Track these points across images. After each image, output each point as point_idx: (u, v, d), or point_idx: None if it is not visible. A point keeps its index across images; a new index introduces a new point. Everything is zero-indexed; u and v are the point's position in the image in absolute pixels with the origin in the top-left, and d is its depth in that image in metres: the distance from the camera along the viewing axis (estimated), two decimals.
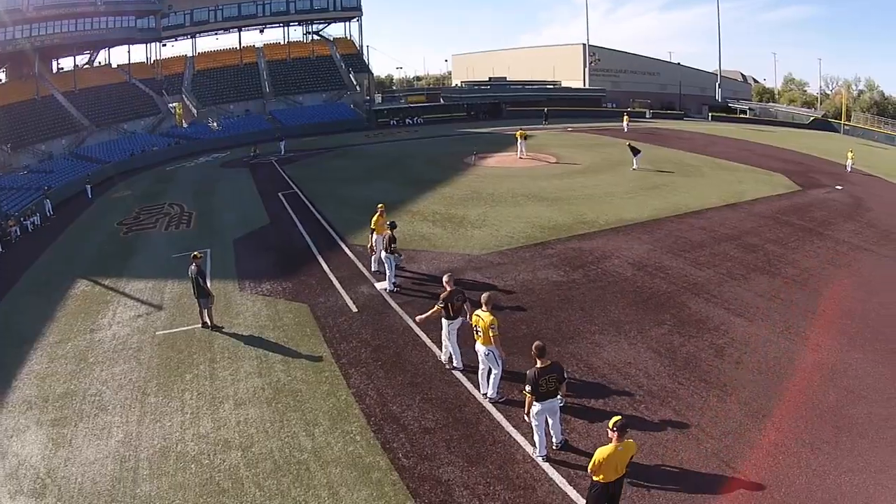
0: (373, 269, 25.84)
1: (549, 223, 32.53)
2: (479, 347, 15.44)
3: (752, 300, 22.04)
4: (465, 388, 16.54)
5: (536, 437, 13.45)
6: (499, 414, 15.23)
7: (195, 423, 15.54)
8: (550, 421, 13.62)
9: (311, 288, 24.71)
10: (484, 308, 15.26)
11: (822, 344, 18.63)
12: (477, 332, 15.31)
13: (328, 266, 27.34)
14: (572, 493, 12.24)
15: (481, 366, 15.90)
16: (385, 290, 23.67)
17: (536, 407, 13.05)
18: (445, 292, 17.09)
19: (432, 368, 17.71)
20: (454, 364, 17.58)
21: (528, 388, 12.93)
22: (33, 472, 14.10)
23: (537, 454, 13.49)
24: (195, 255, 21.35)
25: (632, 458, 10.94)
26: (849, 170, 50.41)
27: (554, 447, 13.81)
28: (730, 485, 12.47)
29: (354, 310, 22.21)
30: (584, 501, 11.46)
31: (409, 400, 16.09)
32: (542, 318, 20.69)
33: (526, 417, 13.78)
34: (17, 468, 14.33)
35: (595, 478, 10.69)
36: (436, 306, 17.16)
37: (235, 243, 32.32)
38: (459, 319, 17.17)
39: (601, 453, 10.50)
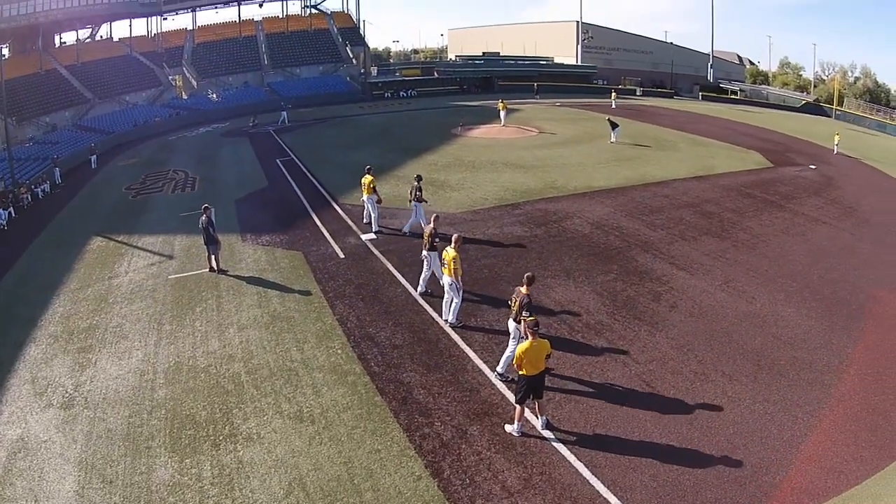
0: (364, 222, 28.69)
1: (521, 187, 34.98)
2: (445, 279, 18.36)
3: (697, 258, 24.26)
4: (430, 315, 19.39)
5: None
6: (455, 336, 18.06)
7: (204, 343, 18.25)
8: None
9: (304, 239, 27.26)
10: (452, 246, 18.05)
11: (758, 297, 20.76)
12: (443, 264, 18.22)
13: (320, 221, 29.88)
14: (509, 395, 14.83)
15: (445, 296, 18.77)
16: (371, 239, 26.68)
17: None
18: (427, 227, 20.75)
19: (404, 301, 20.56)
20: (420, 289, 21.06)
21: (524, 313, 14.70)
22: (62, 390, 16.31)
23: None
24: (205, 207, 23.87)
25: (548, 355, 13.29)
26: (835, 152, 51.66)
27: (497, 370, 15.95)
28: (648, 400, 14.84)
29: (342, 256, 24.92)
30: (514, 395, 13.89)
31: (383, 324, 18.92)
32: (503, 265, 23.30)
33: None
34: (46, 388, 16.46)
35: (520, 372, 13.18)
36: None
37: (237, 203, 34.57)
38: (435, 252, 20.32)
39: (520, 348, 13.04)
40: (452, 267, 17.82)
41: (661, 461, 12.69)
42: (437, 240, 20.36)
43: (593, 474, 12.34)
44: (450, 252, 17.93)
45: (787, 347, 17.46)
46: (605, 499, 11.76)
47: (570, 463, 12.69)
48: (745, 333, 18.25)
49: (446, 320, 18.86)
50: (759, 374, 16.00)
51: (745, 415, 14.27)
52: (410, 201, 26.76)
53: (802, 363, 16.62)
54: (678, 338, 17.94)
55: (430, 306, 19.95)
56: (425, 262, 20.81)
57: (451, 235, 18.65)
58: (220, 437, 13.87)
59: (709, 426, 13.83)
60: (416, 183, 26.63)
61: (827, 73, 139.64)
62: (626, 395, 15.04)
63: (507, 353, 15.67)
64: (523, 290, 15.24)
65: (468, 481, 12.24)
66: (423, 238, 20.77)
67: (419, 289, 21.12)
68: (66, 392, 16.25)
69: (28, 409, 15.67)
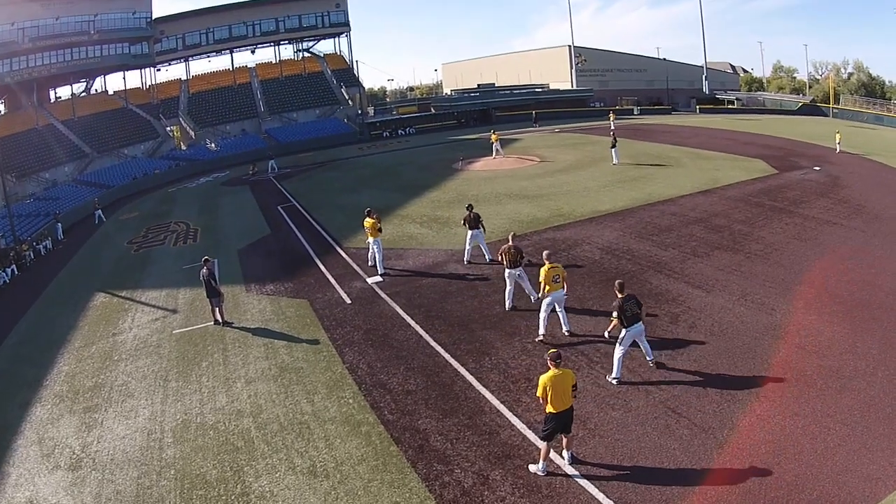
0: (369, 265, 28.26)
1: (527, 218, 34.56)
2: (557, 294, 18.93)
3: (712, 274, 23.81)
4: (443, 357, 18.80)
5: (616, 363, 16.53)
6: (471, 377, 17.43)
7: (212, 399, 17.74)
8: (641, 345, 16.91)
9: (309, 286, 26.80)
10: (552, 261, 19.00)
11: (777, 308, 20.31)
12: (556, 280, 18.69)
13: (325, 266, 29.41)
14: (531, 435, 14.29)
15: (543, 312, 19.27)
16: (377, 282, 26.23)
17: (625, 333, 16.21)
18: (504, 246, 21.45)
19: (415, 344, 19.99)
20: (508, 306, 21.96)
21: (614, 314, 16.19)
22: (69, 451, 15.99)
23: (614, 376, 16.59)
24: (205, 259, 23.64)
25: (574, 386, 12.79)
26: (837, 151, 52.03)
27: (651, 363, 17.14)
28: (675, 427, 14.23)
29: (348, 301, 24.42)
30: (540, 433, 13.26)
31: (395, 369, 18.34)
32: (515, 299, 22.48)
33: (606, 334, 17.80)
34: (53, 449, 16.19)
35: (547, 410, 12.62)
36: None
37: (240, 253, 34.23)
38: (518, 269, 21.36)
39: (543, 379, 12.51)
40: (566, 279, 19.19)
41: (695, 489, 12.14)
42: (521, 256, 21.40)
43: None
44: (558, 268, 18.92)
45: (813, 356, 17.00)
46: None
47: (599, 501, 12.07)
48: (769, 347, 17.76)
49: (542, 336, 19.32)
50: (786, 388, 15.49)
51: (775, 431, 13.74)
52: (474, 228, 26.75)
53: (830, 371, 16.16)
54: (700, 359, 17.38)
55: (443, 348, 19.47)
56: (508, 281, 21.63)
57: (542, 253, 19.94)
58: (232, 497, 13.36)
59: (739, 448, 13.27)
60: (469, 213, 26.68)
61: (820, 73, 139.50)
62: (652, 424, 14.44)
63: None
64: (619, 295, 16.39)
65: None
66: (503, 259, 21.39)
67: (507, 305, 21.92)
68: (74, 453, 15.91)
69: (36, 471, 15.39)
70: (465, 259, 27.53)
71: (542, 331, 19.31)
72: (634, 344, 16.87)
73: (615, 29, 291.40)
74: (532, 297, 21.66)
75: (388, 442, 14.76)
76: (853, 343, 17.57)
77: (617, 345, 16.47)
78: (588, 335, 19.56)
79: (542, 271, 18.70)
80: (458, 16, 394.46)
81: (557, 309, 19.38)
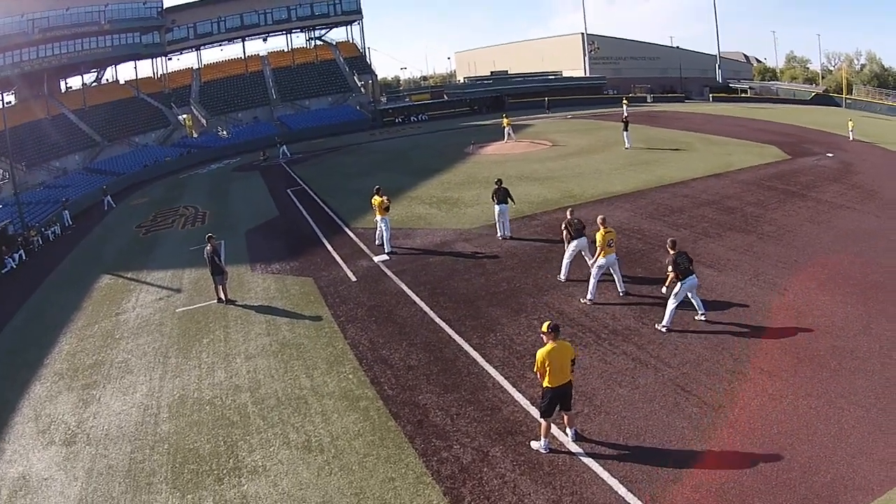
0: (377, 243, 28.01)
1: (537, 199, 34.09)
2: (611, 257, 19.61)
3: (723, 254, 23.39)
4: (447, 333, 18.53)
5: (668, 314, 17.54)
6: (474, 353, 17.13)
7: (210, 375, 17.58)
8: (691, 297, 17.81)
9: (315, 265, 26.65)
10: (607, 227, 19.43)
11: (790, 288, 19.86)
12: (611, 244, 19.40)
13: (332, 246, 29.27)
14: (534, 411, 13.84)
15: (599, 273, 19.80)
16: (384, 260, 26.03)
17: (678, 286, 17.06)
18: (567, 219, 21.83)
19: (419, 321, 19.73)
20: (561, 278, 22.02)
21: (669, 267, 17.02)
22: (64, 427, 15.96)
23: (664, 324, 17.57)
24: (209, 237, 23.44)
25: (573, 360, 12.38)
26: (850, 139, 51.55)
27: (702, 318, 17.91)
28: (684, 405, 13.81)
29: (354, 279, 24.22)
30: (538, 409, 12.91)
31: (397, 345, 18.08)
32: (522, 277, 22.46)
33: (664, 290, 17.76)
34: (49, 425, 16.17)
35: (544, 384, 12.19)
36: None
37: (247, 234, 34.23)
38: (584, 239, 21.50)
39: (541, 353, 12.03)
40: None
41: (703, 470, 11.69)
42: (577, 225, 21.56)
43: (629, 491, 11.33)
44: (612, 232, 19.53)
45: (826, 336, 16.52)
46: None
47: (603, 480, 11.67)
48: (781, 327, 17.31)
49: (589, 300, 19.82)
50: (799, 368, 15.03)
51: (787, 412, 13.28)
52: (502, 202, 26.95)
53: (843, 351, 15.67)
54: (711, 337, 16.96)
55: (447, 324, 19.20)
56: (572, 252, 21.71)
57: (598, 218, 20.00)
58: (224, 472, 13.15)
59: (751, 427, 12.83)
60: (497, 186, 26.97)
61: (833, 64, 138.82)
62: (660, 402, 14.03)
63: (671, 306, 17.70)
64: (671, 251, 17.20)
65: None
66: (567, 231, 21.64)
67: (563, 277, 22.00)
68: (69, 429, 15.90)
69: (30, 446, 15.42)
70: (498, 234, 27.55)
71: (590, 296, 19.79)
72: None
73: (628, 18, 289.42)
74: (589, 262, 21.34)
75: (387, 417, 14.47)
76: (867, 324, 17.09)
77: (671, 297, 17.28)
78: (610, 303, 19.62)
79: (599, 235, 19.19)
80: (470, 4, 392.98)
81: (613, 272, 20.21)
